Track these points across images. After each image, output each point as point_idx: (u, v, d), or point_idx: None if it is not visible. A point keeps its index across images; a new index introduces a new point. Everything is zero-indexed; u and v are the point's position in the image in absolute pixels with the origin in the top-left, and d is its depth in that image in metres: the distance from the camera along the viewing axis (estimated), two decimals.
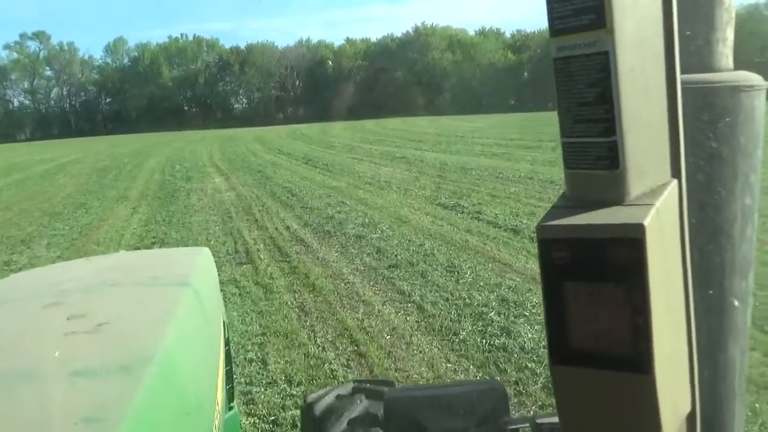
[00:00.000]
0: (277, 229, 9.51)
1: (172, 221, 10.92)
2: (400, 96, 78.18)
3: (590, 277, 0.65)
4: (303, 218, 10.18)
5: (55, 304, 1.62)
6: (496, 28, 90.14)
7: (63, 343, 1.35)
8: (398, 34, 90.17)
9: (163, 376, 1.26)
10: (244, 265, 7.44)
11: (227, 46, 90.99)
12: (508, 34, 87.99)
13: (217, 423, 1.62)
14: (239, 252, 8.22)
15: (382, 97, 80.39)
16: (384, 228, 8.86)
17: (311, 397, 1.90)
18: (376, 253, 7.50)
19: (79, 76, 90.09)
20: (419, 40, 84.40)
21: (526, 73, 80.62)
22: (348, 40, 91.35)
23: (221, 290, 2.85)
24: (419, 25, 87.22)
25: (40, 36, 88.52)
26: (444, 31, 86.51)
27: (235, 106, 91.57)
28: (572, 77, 0.66)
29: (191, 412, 1.37)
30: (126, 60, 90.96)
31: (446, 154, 20.29)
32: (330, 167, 18.34)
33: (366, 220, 9.55)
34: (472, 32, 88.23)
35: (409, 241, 8.03)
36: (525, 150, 19.99)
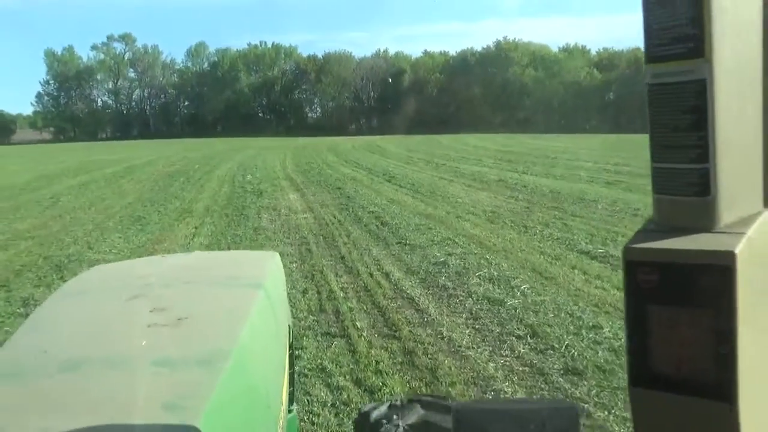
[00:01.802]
0: (372, 275, 7.22)
1: (238, 249, 8.85)
2: (477, 111, 75.45)
3: (676, 302, 0.64)
4: (404, 261, 7.85)
5: (139, 296, 1.69)
6: (582, 45, 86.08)
7: (146, 333, 1.42)
8: (478, 48, 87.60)
9: (238, 372, 1.31)
10: (335, 341, 5.16)
11: (304, 54, 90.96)
12: (593, 52, 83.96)
13: (281, 422, 1.71)
14: (325, 311, 5.95)
15: (457, 112, 77.94)
16: (524, 288, 6.39)
17: (366, 408, 1.77)
18: (531, 338, 5.04)
19: (161, 78, 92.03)
20: (500, 55, 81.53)
21: (611, 94, 76.31)
22: (426, 52, 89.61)
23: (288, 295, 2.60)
24: (501, 39, 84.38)
25: (126, 38, 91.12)
26: (526, 47, 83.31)
27: (309, 114, 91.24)
28: (666, 103, 0.66)
29: (261, 408, 1.45)
30: (206, 65, 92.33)
31: (549, 179, 17.60)
32: (417, 188, 16.02)
33: (492, 271, 7.12)
34: (555, 48, 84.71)
35: (572, 315, 5.53)
36: (642, 179, 17.10)
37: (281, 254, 8.13)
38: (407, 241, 8.95)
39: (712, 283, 0.62)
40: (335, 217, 11.55)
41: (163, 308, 1.58)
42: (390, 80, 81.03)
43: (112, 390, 1.18)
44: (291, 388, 2.26)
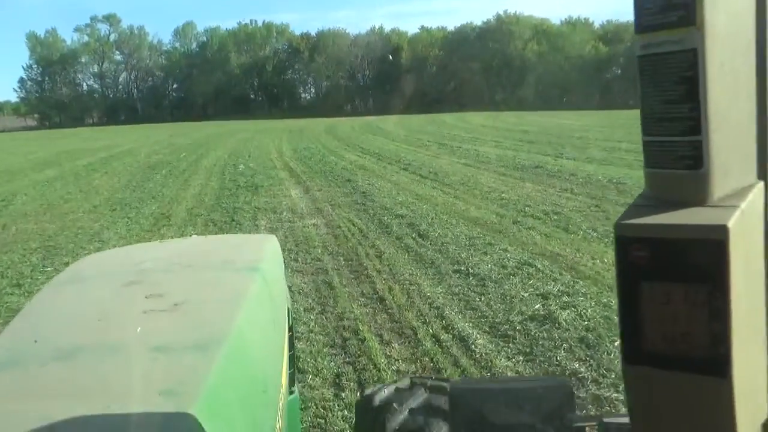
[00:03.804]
0: (440, 342, 4.60)
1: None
2: (477, 88, 72.48)
3: (669, 278, 0.64)
4: (478, 308, 5.24)
5: (135, 283, 1.68)
6: (584, 18, 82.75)
7: (143, 320, 1.41)
8: (478, 22, 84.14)
9: (235, 356, 1.31)
10: None
11: (297, 33, 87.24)
12: (597, 24, 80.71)
13: (281, 405, 1.69)
14: None
15: (457, 90, 75.01)
16: None
17: (369, 390, 1.75)
18: None
19: (148, 61, 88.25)
20: (501, 29, 78.11)
21: (618, 69, 73.31)
22: (423, 28, 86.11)
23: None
24: (501, 13, 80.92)
25: (110, 19, 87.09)
26: (528, 20, 79.91)
27: (303, 95, 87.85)
28: (658, 74, 0.65)
29: (259, 391, 1.43)
30: (194, 45, 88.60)
31: (593, 164, 14.97)
32: (443, 178, 13.37)
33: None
34: (557, 22, 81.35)
35: None
36: None
37: (289, 289, 5.37)
38: (468, 268, 6.33)
39: (704, 258, 0.61)
40: (354, 225, 8.91)
41: (159, 294, 1.57)
42: (390, 57, 77.69)
43: (108, 377, 1.18)
44: (291, 370, 2.26)
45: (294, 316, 5.20)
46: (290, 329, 2.29)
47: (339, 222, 9.15)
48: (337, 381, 4.07)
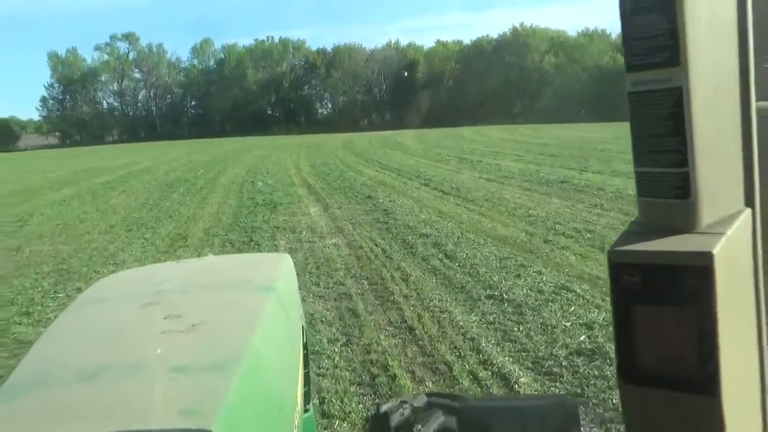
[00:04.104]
0: (473, 373, 4.21)
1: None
2: (494, 102, 72.02)
3: (660, 302, 0.66)
4: (517, 340, 4.81)
5: (153, 304, 1.69)
6: (602, 29, 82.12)
7: (161, 340, 1.43)
8: (494, 35, 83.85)
9: (252, 375, 1.34)
10: None
11: (313, 48, 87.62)
12: (614, 36, 79.99)
13: (297, 422, 1.70)
14: None
15: (474, 103, 74.52)
16: None
17: (384, 408, 1.59)
18: None
19: (166, 78, 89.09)
20: (517, 41, 77.70)
21: None
22: (439, 42, 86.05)
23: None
24: (517, 26, 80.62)
25: (129, 37, 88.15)
26: (544, 33, 79.46)
27: (319, 110, 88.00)
28: (647, 110, 0.69)
29: (275, 410, 1.47)
30: (212, 62, 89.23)
31: (620, 178, 14.42)
32: (465, 194, 12.97)
33: None
34: (573, 33, 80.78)
35: None
36: None
37: (307, 319, 4.96)
38: (501, 293, 5.91)
39: (692, 282, 0.64)
40: (377, 245, 8.53)
41: (177, 315, 1.59)
42: (406, 73, 77.65)
43: (129, 397, 1.20)
44: (306, 388, 2.28)
45: (318, 348, 4.83)
46: (305, 347, 2.33)
47: (361, 242, 8.79)
48: (367, 427, 3.67)
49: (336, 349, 4.84)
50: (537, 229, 8.89)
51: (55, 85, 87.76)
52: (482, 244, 8.09)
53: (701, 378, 0.65)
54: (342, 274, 7.11)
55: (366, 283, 6.68)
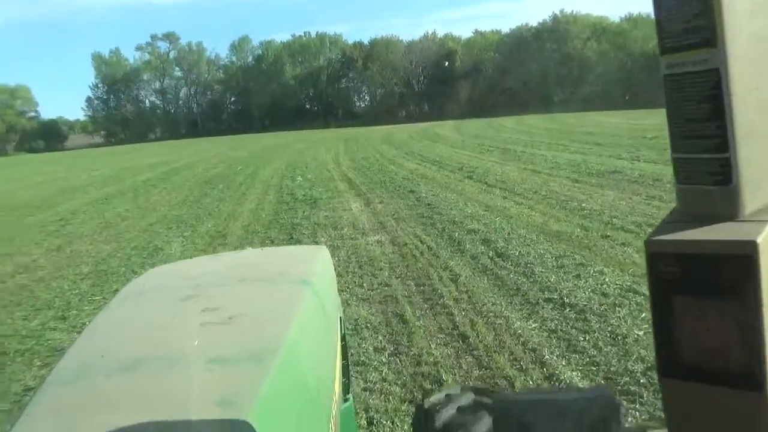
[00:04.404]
0: None
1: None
2: (535, 91, 70.60)
3: (700, 293, 0.64)
4: (581, 349, 4.33)
5: (192, 297, 1.73)
6: (646, 14, 79.44)
7: (199, 332, 1.46)
8: (534, 23, 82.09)
9: (288, 367, 1.35)
10: None
11: (350, 42, 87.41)
12: None
13: (334, 412, 1.71)
14: None
15: (514, 93, 73.15)
16: None
17: (429, 403, 1.65)
18: None
19: (206, 75, 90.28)
20: (558, 29, 75.87)
21: None
22: (477, 32, 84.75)
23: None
24: (557, 13, 78.70)
25: (170, 37, 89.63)
26: (585, 19, 77.40)
27: (357, 103, 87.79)
28: (683, 94, 0.66)
29: (312, 400, 1.47)
30: (250, 58, 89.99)
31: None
32: (512, 186, 12.42)
33: None
34: (616, 19, 78.43)
35: None
36: None
37: (352, 325, 4.51)
38: (561, 296, 5.42)
39: (734, 273, 0.61)
40: (422, 242, 8.12)
41: (215, 307, 1.62)
42: (446, 63, 76.76)
43: (169, 388, 1.22)
44: (345, 379, 2.30)
45: (363, 359, 4.45)
46: (343, 339, 2.32)
47: (405, 238, 8.38)
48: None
49: (383, 360, 4.45)
50: (593, 223, 8.33)
51: (99, 85, 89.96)
52: (535, 240, 7.59)
53: (746, 373, 0.62)
54: (386, 274, 6.72)
55: (412, 284, 6.28)
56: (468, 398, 1.66)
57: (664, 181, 11.58)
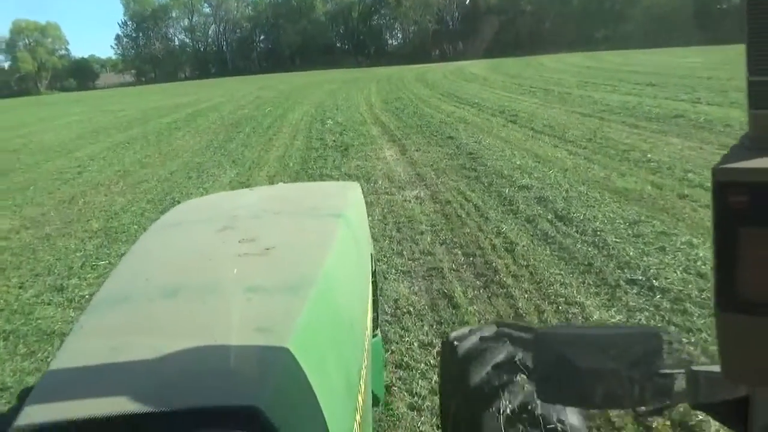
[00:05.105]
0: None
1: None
2: (575, 27, 67.22)
3: None
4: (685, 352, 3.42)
5: (229, 228, 1.79)
6: None
7: (237, 262, 1.51)
8: None
9: (324, 297, 1.39)
10: None
11: None
12: None
13: (366, 345, 1.73)
14: None
15: (553, 29, 69.84)
16: None
17: (453, 336, 1.73)
18: None
19: (235, 12, 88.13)
20: None
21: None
22: None
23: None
24: None
25: None
26: None
27: (389, 41, 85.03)
28: (765, 12, 0.62)
29: (346, 330, 1.52)
30: None
31: (742, 110, 12.27)
32: (562, 133, 11.24)
33: None
34: None
35: None
36: None
37: (391, 309, 3.63)
38: (646, 277, 4.42)
39: None
40: (467, 199, 7.14)
41: (252, 239, 1.64)
42: None
43: (209, 314, 1.27)
44: (374, 314, 2.29)
45: (406, 359, 3.59)
46: (373, 274, 2.28)
47: (447, 195, 7.42)
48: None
49: (431, 360, 3.59)
50: (664, 179, 7.23)
51: (128, 22, 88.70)
52: (599, 200, 6.55)
53: None
54: (429, 239, 5.81)
55: (460, 253, 5.36)
56: (490, 330, 1.66)
57: (734, 126, 10.29)
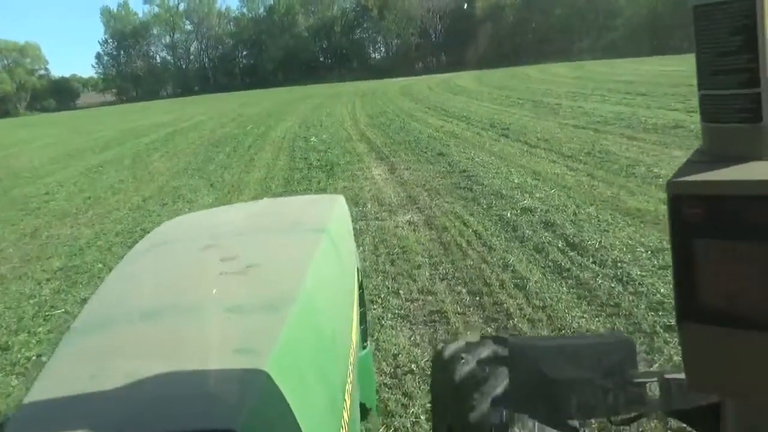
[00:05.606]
0: None
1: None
2: (559, 38, 67.45)
3: (725, 236, 0.62)
4: None
5: (211, 247, 1.75)
6: None
7: (218, 282, 1.48)
8: None
9: (304, 315, 1.36)
10: None
11: None
12: None
13: (352, 359, 1.71)
14: None
15: (536, 40, 70.03)
16: None
17: (441, 347, 1.63)
18: None
19: (217, 28, 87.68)
20: None
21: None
22: None
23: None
24: None
25: None
26: None
27: (372, 55, 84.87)
28: (713, 25, 0.62)
29: (328, 347, 1.48)
30: (262, 9, 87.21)
31: None
32: (558, 147, 10.68)
33: None
34: None
35: None
36: None
37: (390, 368, 3.75)
38: None
39: (762, 215, 0.59)
40: (466, 224, 6.51)
41: (233, 257, 1.61)
42: (465, 6, 73.39)
43: (188, 337, 1.23)
44: (363, 326, 2.28)
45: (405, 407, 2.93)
46: (360, 286, 2.26)
47: (443, 219, 6.79)
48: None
49: None
50: None
51: (108, 40, 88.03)
52: (612, 223, 5.95)
53: None
54: (427, 274, 5.16)
55: (465, 291, 4.71)
56: (487, 348, 1.57)
57: None
